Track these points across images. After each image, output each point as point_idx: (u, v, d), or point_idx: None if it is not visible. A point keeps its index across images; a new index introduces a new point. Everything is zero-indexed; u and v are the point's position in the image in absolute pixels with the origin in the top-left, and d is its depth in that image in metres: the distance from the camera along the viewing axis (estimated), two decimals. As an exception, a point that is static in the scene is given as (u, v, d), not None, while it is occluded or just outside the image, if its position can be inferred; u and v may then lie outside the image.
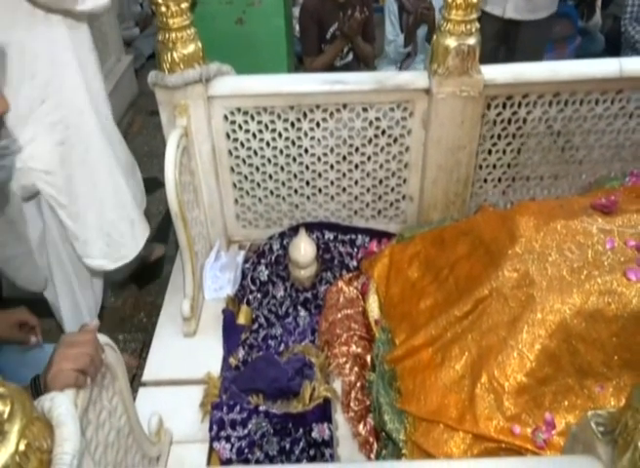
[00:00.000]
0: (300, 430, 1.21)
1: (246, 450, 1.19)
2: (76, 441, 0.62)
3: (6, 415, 0.53)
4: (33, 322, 1.39)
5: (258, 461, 1.18)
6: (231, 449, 1.20)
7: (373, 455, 1.20)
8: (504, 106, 1.50)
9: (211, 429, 1.22)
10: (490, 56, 2.73)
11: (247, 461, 1.18)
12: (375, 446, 1.21)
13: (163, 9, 1.30)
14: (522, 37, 2.70)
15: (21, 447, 0.54)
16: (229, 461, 1.19)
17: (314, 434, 1.21)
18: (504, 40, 2.74)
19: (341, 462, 1.19)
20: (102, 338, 0.85)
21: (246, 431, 1.21)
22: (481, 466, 0.68)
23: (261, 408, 1.25)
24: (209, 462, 1.20)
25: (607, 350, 1.08)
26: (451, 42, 1.36)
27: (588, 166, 1.65)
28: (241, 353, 1.40)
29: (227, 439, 1.21)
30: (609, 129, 1.57)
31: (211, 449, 1.22)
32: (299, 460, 1.17)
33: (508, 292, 1.15)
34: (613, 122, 1.55)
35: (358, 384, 1.31)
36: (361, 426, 1.24)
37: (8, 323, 1.37)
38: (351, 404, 1.28)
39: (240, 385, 1.30)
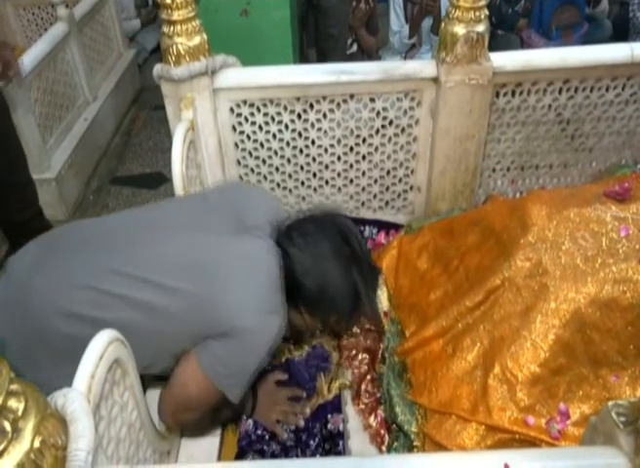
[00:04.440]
0: (317, 425, 1.22)
1: (266, 438, 1.20)
2: (90, 437, 0.61)
3: (20, 412, 0.52)
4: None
5: (273, 454, 1.18)
6: (255, 431, 1.22)
7: (384, 448, 1.19)
8: (514, 94, 1.48)
9: None
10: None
11: (262, 452, 1.18)
12: (386, 438, 1.20)
13: (168, 1, 1.28)
14: None
15: (36, 443, 0.54)
16: (248, 438, 1.20)
17: (329, 426, 1.21)
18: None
19: (352, 455, 1.18)
20: (112, 333, 0.84)
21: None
22: (500, 458, 0.67)
23: None
24: (219, 456, 1.20)
25: (622, 339, 1.07)
26: (459, 29, 1.34)
27: (598, 153, 1.63)
28: None
29: (254, 419, 1.23)
30: (619, 115, 1.55)
31: (221, 443, 1.22)
32: (313, 454, 1.17)
33: (521, 282, 1.14)
34: (624, 108, 1.53)
35: (368, 376, 1.30)
36: (372, 418, 1.24)
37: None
38: (362, 396, 1.27)
39: None
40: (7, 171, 1.77)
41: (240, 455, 1.19)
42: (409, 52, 3.06)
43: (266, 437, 1.21)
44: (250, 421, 1.23)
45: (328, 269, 1.08)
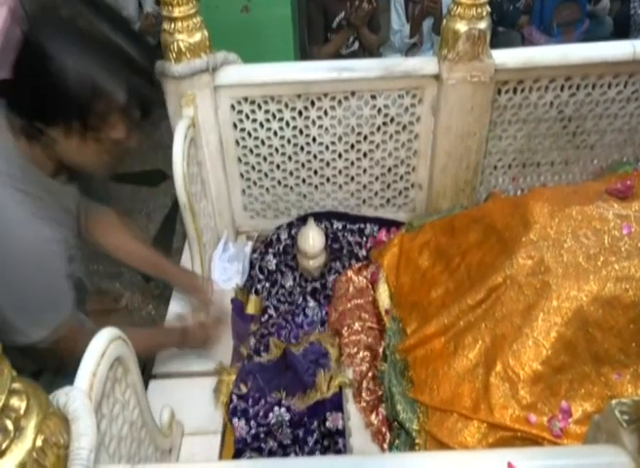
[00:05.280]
0: (315, 422, 1.21)
1: (262, 436, 1.19)
2: (92, 435, 0.61)
3: (22, 411, 0.52)
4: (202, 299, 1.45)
5: (271, 451, 1.18)
6: (248, 432, 1.20)
7: (386, 445, 1.19)
8: (515, 91, 1.47)
9: (234, 414, 1.23)
10: None
11: (260, 450, 1.18)
12: (387, 436, 1.20)
13: (168, -3, 1.28)
14: None
15: (38, 442, 0.54)
16: (244, 441, 1.19)
17: (328, 424, 1.20)
18: None
19: (354, 453, 1.18)
20: (114, 332, 0.84)
21: (267, 421, 1.21)
22: (502, 456, 0.67)
23: (284, 402, 1.24)
24: (221, 454, 1.20)
25: (624, 337, 1.07)
26: (461, 26, 1.33)
27: (600, 151, 1.63)
28: (252, 341, 1.40)
29: (247, 421, 1.21)
30: (621, 113, 1.55)
31: (223, 441, 1.22)
32: (312, 451, 1.17)
33: (523, 280, 1.14)
34: (626, 106, 1.53)
35: (369, 374, 1.30)
36: (373, 416, 1.24)
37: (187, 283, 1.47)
38: (363, 394, 1.27)
39: (264, 378, 1.30)
40: None
41: (237, 456, 1.18)
42: (410, 50, 3.06)
43: (262, 435, 1.20)
44: (242, 423, 1.21)
45: (60, 75, 0.89)
